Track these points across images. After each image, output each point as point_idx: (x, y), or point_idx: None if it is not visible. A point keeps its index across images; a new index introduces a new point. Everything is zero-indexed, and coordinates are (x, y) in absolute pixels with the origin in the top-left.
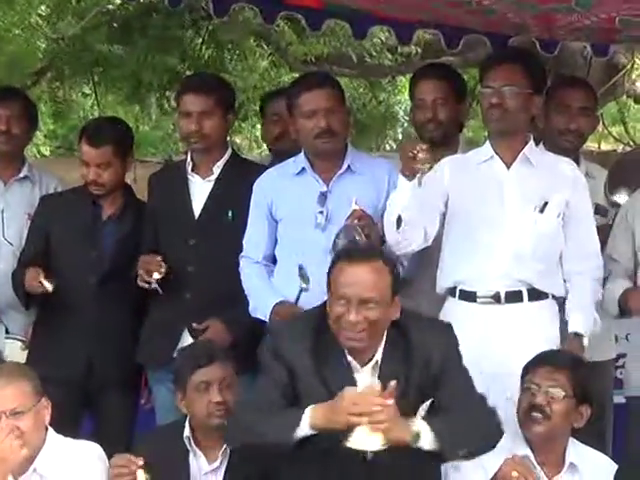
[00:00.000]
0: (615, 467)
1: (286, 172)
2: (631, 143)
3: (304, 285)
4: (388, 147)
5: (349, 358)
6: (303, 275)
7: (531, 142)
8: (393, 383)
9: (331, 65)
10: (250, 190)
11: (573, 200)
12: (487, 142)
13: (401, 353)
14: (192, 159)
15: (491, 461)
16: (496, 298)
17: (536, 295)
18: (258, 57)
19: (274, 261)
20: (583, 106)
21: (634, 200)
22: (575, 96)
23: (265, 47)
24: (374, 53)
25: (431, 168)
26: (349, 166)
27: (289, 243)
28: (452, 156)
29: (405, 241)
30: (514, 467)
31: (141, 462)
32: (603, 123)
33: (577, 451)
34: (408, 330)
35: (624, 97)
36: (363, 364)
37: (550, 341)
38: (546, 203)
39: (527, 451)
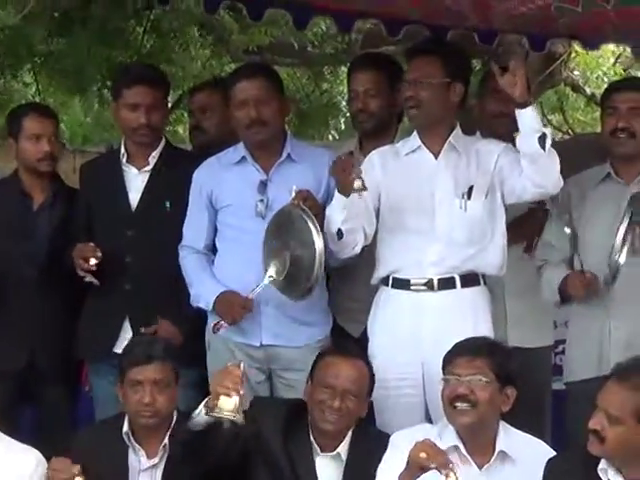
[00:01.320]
0: (552, 453)
1: (226, 161)
2: (570, 131)
3: None
4: (331, 137)
5: (313, 442)
6: None
7: (457, 129)
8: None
9: (273, 55)
10: (187, 179)
11: (499, 162)
12: (414, 132)
13: (366, 448)
14: (126, 150)
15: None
16: (429, 285)
17: (469, 281)
18: (200, 47)
19: (214, 250)
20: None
21: (568, 187)
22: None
23: (207, 37)
24: (316, 42)
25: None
26: (289, 155)
27: (229, 232)
28: (380, 148)
29: (347, 247)
30: (422, 449)
31: (78, 469)
32: (542, 112)
33: (509, 438)
34: (371, 429)
35: (562, 86)
36: (325, 451)
37: (483, 326)
38: (471, 187)
39: (457, 441)
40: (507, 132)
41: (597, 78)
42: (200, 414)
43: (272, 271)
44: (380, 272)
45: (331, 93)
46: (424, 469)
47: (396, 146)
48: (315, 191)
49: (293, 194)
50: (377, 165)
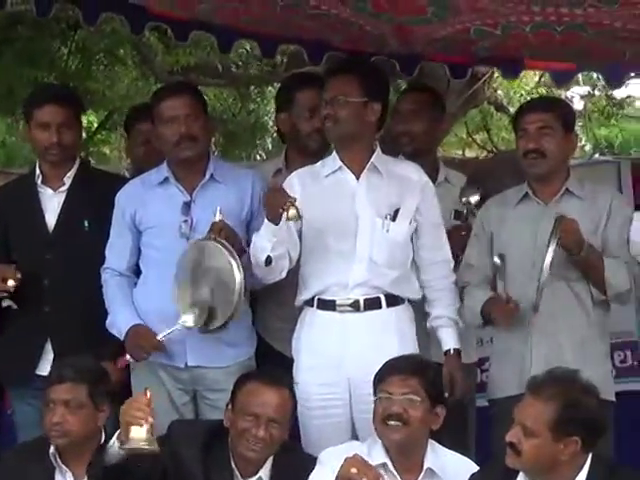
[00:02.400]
0: (476, 469)
1: (149, 182)
2: (494, 149)
3: None
4: (258, 157)
5: (234, 468)
6: None
7: (378, 150)
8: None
9: (198, 75)
10: (104, 198)
11: (423, 206)
12: (334, 153)
13: (289, 470)
14: (41, 171)
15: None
16: (355, 306)
17: (393, 301)
18: (127, 67)
19: (137, 272)
20: (413, 109)
21: (488, 208)
22: (407, 99)
23: (133, 57)
24: (240, 63)
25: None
26: (212, 175)
27: (154, 253)
28: (300, 170)
29: (274, 273)
30: (353, 464)
31: None
32: (467, 131)
33: (436, 455)
34: (296, 452)
35: (486, 105)
36: (247, 476)
37: (408, 345)
38: (397, 210)
39: (385, 459)
40: (410, 151)
41: (520, 97)
42: (114, 445)
43: (189, 319)
44: (305, 295)
45: (258, 113)
46: None
47: (316, 167)
48: (238, 212)
49: (217, 215)
50: (297, 187)
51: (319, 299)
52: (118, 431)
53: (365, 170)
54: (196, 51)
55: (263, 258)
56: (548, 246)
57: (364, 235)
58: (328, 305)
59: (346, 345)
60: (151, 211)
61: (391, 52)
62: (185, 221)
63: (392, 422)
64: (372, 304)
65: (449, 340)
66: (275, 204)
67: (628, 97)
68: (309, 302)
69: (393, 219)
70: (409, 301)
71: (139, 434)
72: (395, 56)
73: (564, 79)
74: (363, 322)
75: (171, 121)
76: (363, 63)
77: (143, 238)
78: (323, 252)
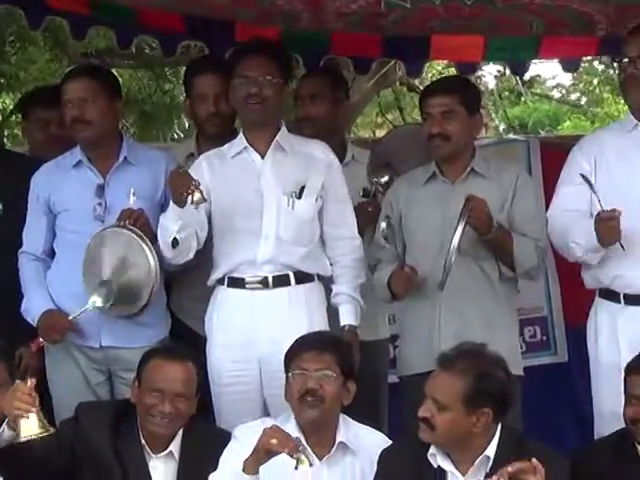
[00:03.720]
0: (389, 443)
1: (64, 165)
2: None
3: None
4: (175, 136)
5: (144, 444)
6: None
7: (283, 129)
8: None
9: (111, 58)
10: (20, 182)
11: (328, 183)
12: (240, 134)
13: (200, 444)
14: None
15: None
16: (264, 283)
17: (302, 277)
18: (40, 49)
19: (54, 254)
20: (312, 93)
21: (397, 188)
22: (305, 84)
23: (46, 39)
24: (154, 45)
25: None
26: (126, 157)
27: (68, 236)
28: (208, 152)
29: (182, 254)
30: (272, 435)
31: None
32: (380, 110)
33: (349, 429)
34: (208, 427)
35: (398, 85)
36: (157, 452)
37: (318, 321)
38: (303, 188)
39: (298, 434)
40: (313, 135)
41: (432, 77)
42: (4, 431)
43: (98, 300)
44: (216, 274)
45: (173, 93)
46: (271, 455)
47: (223, 149)
48: (152, 194)
49: (131, 197)
50: (205, 169)
51: (229, 277)
52: (7, 418)
53: (270, 149)
54: (109, 33)
55: (170, 240)
56: (457, 226)
57: (270, 213)
58: (238, 283)
59: (256, 322)
60: (65, 194)
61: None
62: (99, 204)
63: (308, 398)
64: (281, 281)
65: (346, 316)
66: (179, 188)
67: (538, 76)
68: (220, 281)
69: (299, 197)
70: (319, 278)
71: (29, 425)
72: (299, 51)
73: (469, 70)
74: (272, 299)
75: (66, 104)
76: (273, 44)
77: (57, 221)
78: (232, 232)
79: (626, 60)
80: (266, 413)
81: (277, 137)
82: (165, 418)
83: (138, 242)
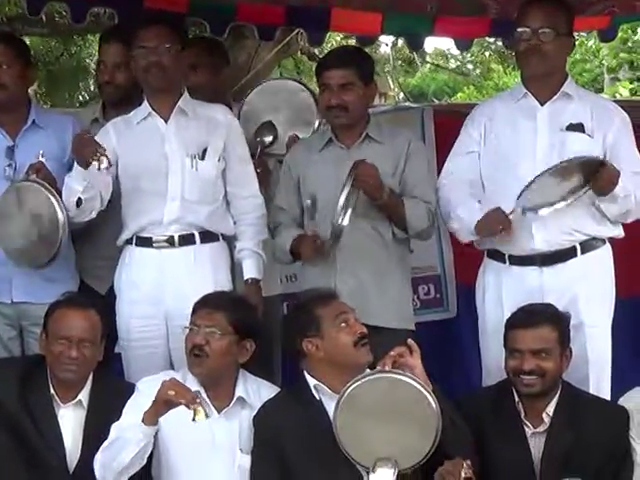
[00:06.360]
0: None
1: None
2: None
3: None
4: (82, 97)
5: (53, 394)
6: None
7: (185, 94)
8: None
9: (22, 25)
10: None
11: (229, 144)
12: (145, 101)
13: (108, 394)
14: None
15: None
16: (170, 242)
17: (207, 236)
18: None
19: None
20: (191, 63)
21: (295, 152)
22: (192, 52)
23: None
24: (64, 12)
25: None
26: (34, 121)
27: None
28: (114, 119)
29: (85, 213)
30: (170, 387)
31: None
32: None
33: (248, 385)
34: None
35: (299, 54)
36: (66, 401)
37: (222, 280)
38: (205, 149)
39: (198, 387)
40: (211, 101)
41: (331, 47)
42: None
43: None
44: (125, 234)
45: (80, 56)
46: (170, 406)
47: (129, 116)
48: (60, 156)
49: (40, 158)
50: (112, 134)
51: (137, 237)
52: None
53: (173, 113)
54: (19, 1)
55: (74, 199)
56: (343, 188)
57: (175, 175)
58: (145, 242)
59: (163, 279)
60: None
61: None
62: (9, 165)
63: (195, 353)
64: (186, 240)
65: (249, 270)
66: (86, 154)
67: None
68: (129, 241)
69: (202, 158)
70: (224, 238)
71: None
72: (207, 18)
73: (367, 41)
74: (178, 257)
75: None
76: (168, 14)
77: None
78: (139, 194)
79: (528, 31)
80: (173, 367)
81: (179, 102)
82: (73, 364)
83: (46, 195)
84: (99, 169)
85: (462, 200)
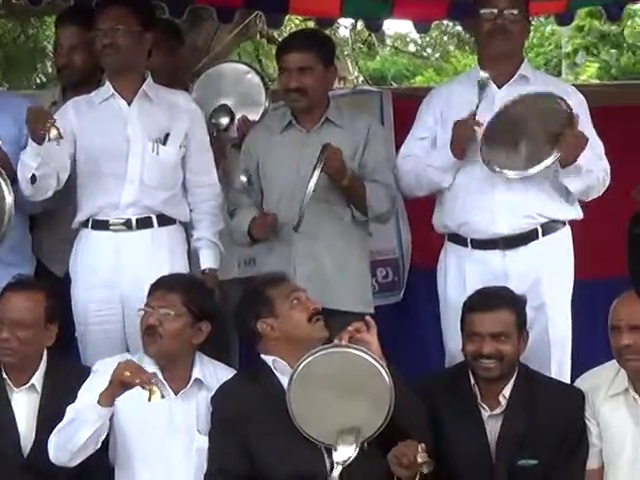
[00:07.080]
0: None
1: None
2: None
3: None
4: (39, 80)
5: (6, 378)
6: None
7: (149, 79)
8: None
9: None
10: None
11: (191, 131)
12: (107, 82)
13: (63, 378)
14: None
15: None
16: (127, 225)
17: (165, 220)
18: None
19: None
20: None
21: (254, 134)
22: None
23: None
24: None
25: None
26: None
27: None
28: (75, 98)
29: (40, 192)
30: (126, 368)
31: None
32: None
33: (204, 367)
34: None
35: (258, 37)
36: (19, 385)
37: (179, 263)
38: (167, 135)
39: (155, 369)
40: (168, 83)
41: (290, 30)
42: None
43: None
44: (80, 216)
45: (37, 37)
46: (126, 387)
47: (90, 96)
48: (17, 138)
49: None
50: (71, 113)
51: (93, 220)
52: None
53: (137, 97)
54: None
55: (28, 176)
56: (313, 171)
57: (135, 158)
58: (102, 225)
59: (119, 263)
60: None
61: None
62: None
63: (149, 333)
64: (144, 223)
65: (206, 260)
66: (37, 125)
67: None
68: (84, 223)
69: (163, 143)
70: (180, 222)
71: None
72: (165, 1)
73: (326, 24)
74: (135, 240)
75: None
76: None
77: None
78: (96, 175)
79: (495, 11)
80: (129, 351)
81: (144, 86)
82: (5, 346)
83: None
84: (49, 140)
85: (427, 155)
